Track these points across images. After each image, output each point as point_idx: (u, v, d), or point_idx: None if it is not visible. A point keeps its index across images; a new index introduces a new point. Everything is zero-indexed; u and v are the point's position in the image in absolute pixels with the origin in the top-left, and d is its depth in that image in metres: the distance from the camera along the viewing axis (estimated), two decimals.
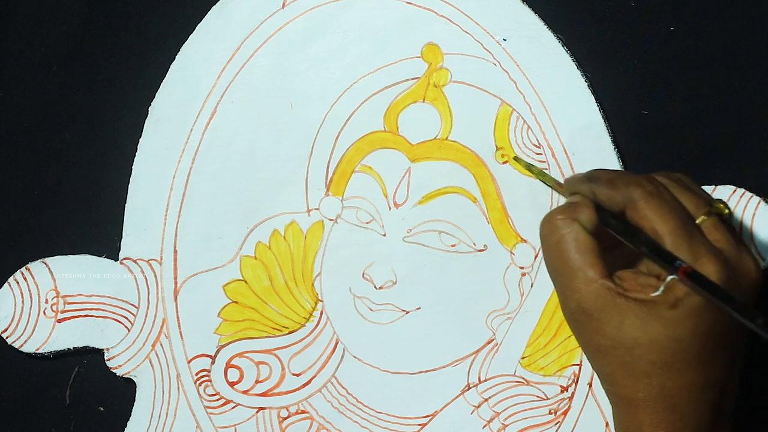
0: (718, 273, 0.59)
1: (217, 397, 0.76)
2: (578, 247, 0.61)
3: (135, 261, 0.77)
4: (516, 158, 0.75)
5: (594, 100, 0.75)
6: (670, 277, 0.59)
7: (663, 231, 0.60)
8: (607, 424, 0.73)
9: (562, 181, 0.72)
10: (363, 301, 0.75)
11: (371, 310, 0.75)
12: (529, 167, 0.74)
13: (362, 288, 0.76)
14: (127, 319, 0.77)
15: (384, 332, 0.75)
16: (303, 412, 0.75)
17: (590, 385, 0.73)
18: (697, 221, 0.62)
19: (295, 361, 0.76)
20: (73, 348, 0.77)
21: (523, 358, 0.74)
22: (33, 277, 0.77)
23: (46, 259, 0.78)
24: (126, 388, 0.77)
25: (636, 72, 0.76)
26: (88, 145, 0.80)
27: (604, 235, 0.63)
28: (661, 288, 0.59)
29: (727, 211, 0.63)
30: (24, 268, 0.78)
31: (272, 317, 0.76)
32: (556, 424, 0.73)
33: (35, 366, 0.78)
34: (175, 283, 0.77)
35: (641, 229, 0.61)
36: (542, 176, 0.73)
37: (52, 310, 0.77)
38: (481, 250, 0.75)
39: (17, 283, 0.77)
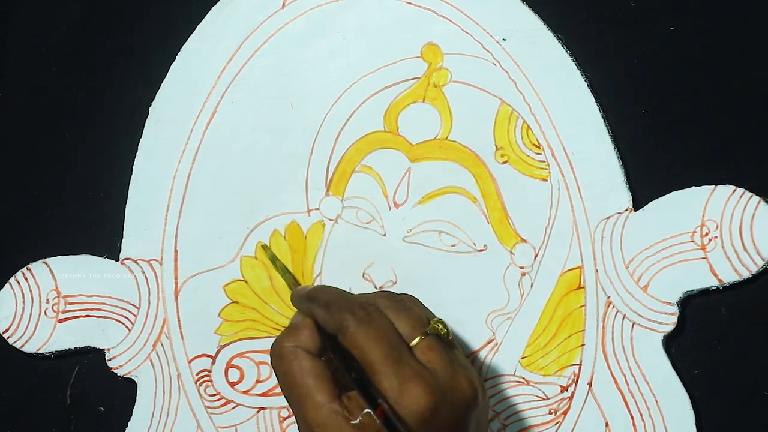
0: (425, 396, 0.60)
1: (217, 397, 0.76)
2: (304, 375, 0.62)
3: (136, 261, 0.78)
4: (264, 246, 0.75)
5: (594, 100, 0.75)
6: (365, 410, 0.60)
7: (371, 359, 0.61)
8: (607, 424, 0.73)
9: None
10: None
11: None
12: (273, 260, 0.74)
13: (362, 288, 0.76)
14: (127, 319, 0.77)
15: None
16: None
17: (590, 385, 0.73)
18: (412, 343, 0.63)
19: None
20: (74, 348, 0.77)
21: (523, 358, 0.74)
22: (34, 277, 0.78)
23: (47, 259, 0.78)
24: (127, 388, 0.77)
25: (636, 72, 0.76)
26: (88, 145, 0.80)
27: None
28: (358, 419, 0.60)
29: (445, 330, 0.64)
30: (25, 268, 0.78)
31: (273, 317, 0.76)
32: (556, 424, 0.74)
33: (36, 366, 0.78)
34: (176, 283, 0.77)
35: (353, 358, 0.62)
36: (283, 274, 0.73)
37: (53, 310, 0.77)
38: (481, 250, 0.75)
39: (18, 283, 0.78)
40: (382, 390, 0.60)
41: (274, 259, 0.73)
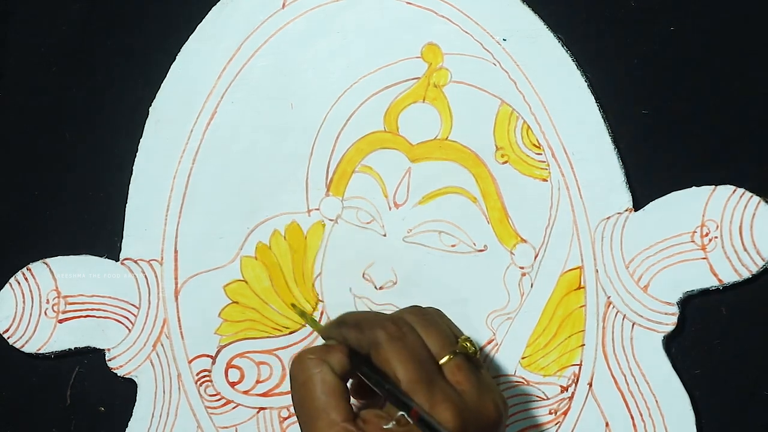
0: (453, 420, 0.60)
1: (217, 397, 0.76)
2: (324, 389, 0.62)
3: (136, 261, 0.78)
4: (293, 305, 0.74)
5: (594, 100, 0.75)
6: (399, 413, 0.60)
7: (402, 377, 0.61)
8: (607, 424, 0.73)
9: None
10: (363, 301, 0.75)
11: (372, 310, 0.75)
12: (303, 315, 0.72)
13: (362, 288, 0.76)
14: (127, 319, 0.77)
15: None
16: None
17: (590, 385, 0.73)
18: (441, 362, 0.63)
19: None
20: (74, 348, 0.77)
21: (523, 358, 0.74)
22: (34, 278, 0.78)
23: (47, 260, 0.78)
24: (127, 388, 0.77)
25: (636, 72, 0.76)
26: (88, 145, 0.80)
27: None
28: (392, 423, 0.60)
29: (473, 349, 0.64)
30: (25, 268, 0.78)
31: (273, 317, 0.76)
32: (556, 424, 0.74)
33: (36, 366, 0.78)
34: (176, 284, 0.77)
35: (385, 373, 0.62)
36: (313, 324, 0.72)
37: (53, 311, 0.77)
38: (481, 250, 0.75)
39: (18, 283, 0.78)
40: None
41: (303, 314, 0.73)
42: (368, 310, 0.75)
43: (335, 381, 0.62)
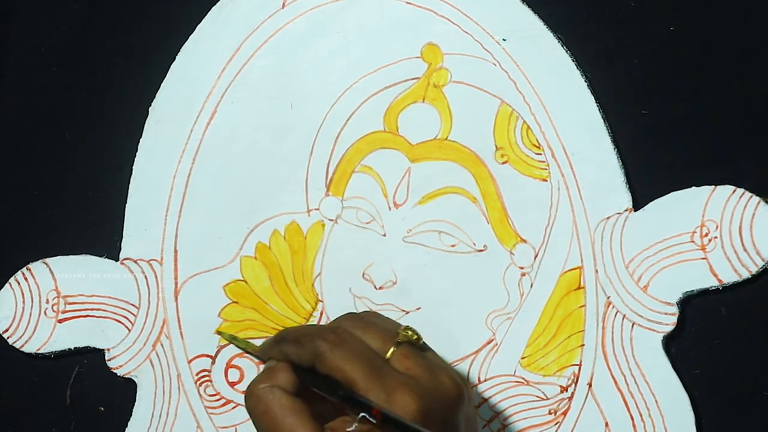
0: (413, 402, 0.60)
1: (217, 397, 0.76)
2: (284, 413, 0.62)
3: (135, 261, 0.78)
4: (220, 332, 0.76)
5: (594, 100, 0.75)
6: (361, 415, 0.60)
7: (353, 378, 0.61)
8: (607, 424, 0.73)
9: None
10: (363, 301, 0.75)
11: (371, 310, 0.75)
12: (233, 339, 0.75)
13: (362, 288, 0.76)
14: (127, 319, 0.77)
15: None
16: None
17: (590, 385, 0.73)
18: (387, 356, 0.63)
19: None
20: (74, 348, 0.77)
21: (522, 358, 0.74)
22: (34, 278, 0.78)
23: (47, 260, 0.78)
24: (126, 388, 0.77)
25: (636, 72, 0.76)
26: (88, 145, 0.80)
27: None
28: (354, 425, 0.60)
29: (415, 336, 0.65)
30: (25, 268, 0.78)
31: (273, 317, 0.76)
32: (556, 424, 0.74)
33: (36, 366, 0.78)
34: (176, 283, 0.77)
35: (336, 380, 0.62)
36: (245, 346, 0.74)
37: (53, 310, 0.77)
38: (481, 250, 0.75)
39: (18, 283, 0.78)
40: None
41: (233, 339, 0.74)
42: (368, 310, 0.75)
43: (292, 401, 0.63)
